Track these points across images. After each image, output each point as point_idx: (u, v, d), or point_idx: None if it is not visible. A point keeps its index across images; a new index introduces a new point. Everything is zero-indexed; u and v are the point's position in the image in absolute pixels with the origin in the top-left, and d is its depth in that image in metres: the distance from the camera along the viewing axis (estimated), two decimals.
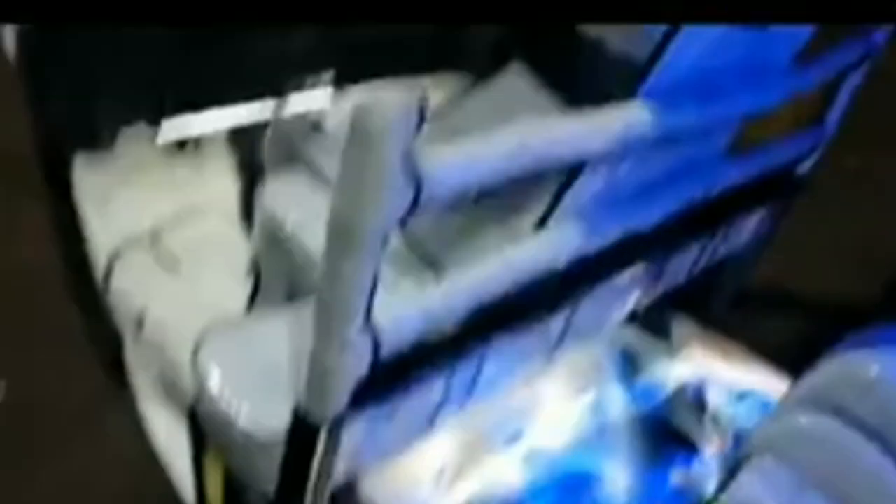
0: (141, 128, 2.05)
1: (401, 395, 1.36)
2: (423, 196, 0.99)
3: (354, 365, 1.14)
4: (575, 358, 2.32)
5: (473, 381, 1.55)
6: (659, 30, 1.23)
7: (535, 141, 1.16)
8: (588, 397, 2.29)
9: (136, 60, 1.88)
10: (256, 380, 1.36)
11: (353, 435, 1.34)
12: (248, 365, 1.37)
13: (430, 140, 0.98)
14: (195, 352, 1.42)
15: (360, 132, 0.91)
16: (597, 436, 2.16)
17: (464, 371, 1.49)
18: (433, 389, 1.43)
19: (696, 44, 1.28)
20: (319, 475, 1.28)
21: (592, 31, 1.57)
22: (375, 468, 1.86)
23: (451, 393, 1.48)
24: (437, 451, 1.99)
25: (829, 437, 1.64)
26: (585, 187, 1.43)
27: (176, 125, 2.09)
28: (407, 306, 1.22)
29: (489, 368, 1.55)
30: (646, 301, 1.96)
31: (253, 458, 1.35)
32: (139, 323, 1.95)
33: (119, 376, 2.16)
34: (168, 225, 2.22)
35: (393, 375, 1.27)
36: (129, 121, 2.02)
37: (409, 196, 0.97)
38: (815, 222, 2.50)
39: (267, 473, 1.37)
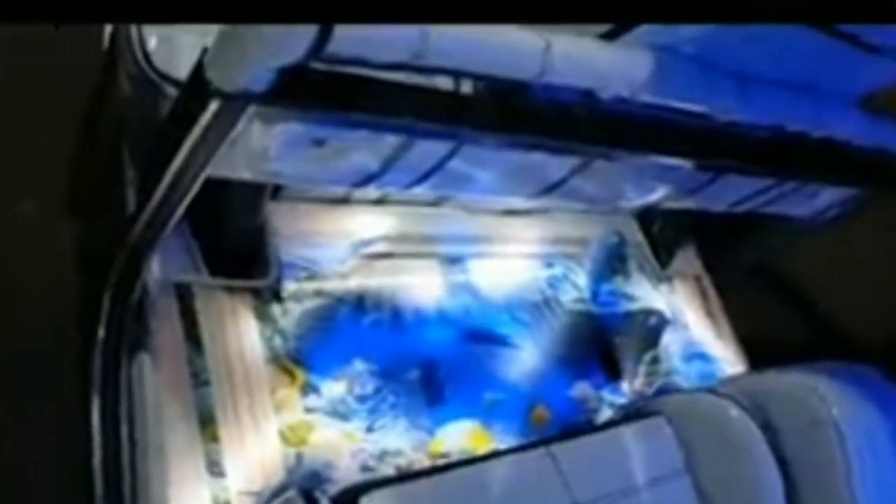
0: None
1: (332, 127, 1.08)
2: None
3: (284, 44, 0.84)
4: (564, 219, 2.06)
5: (437, 166, 1.27)
6: None
7: None
8: (552, 272, 2.04)
9: None
10: None
11: (263, 138, 1.09)
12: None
13: None
14: None
15: None
16: (532, 308, 1.93)
17: (426, 149, 1.21)
18: (378, 142, 1.16)
19: None
20: (200, 148, 1.03)
21: None
22: (292, 204, 1.65)
23: (404, 157, 1.20)
24: (369, 221, 1.76)
25: (741, 442, 1.44)
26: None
27: None
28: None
29: (461, 161, 1.28)
30: (670, 204, 1.66)
31: (146, 90, 1.09)
32: None
33: None
34: None
35: (332, 90, 0.98)
36: None
37: None
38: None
39: (147, 116, 1.12)
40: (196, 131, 0.99)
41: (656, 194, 1.59)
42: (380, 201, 1.77)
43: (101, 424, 1.29)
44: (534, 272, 1.99)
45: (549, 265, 2.02)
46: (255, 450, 1.41)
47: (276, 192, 1.59)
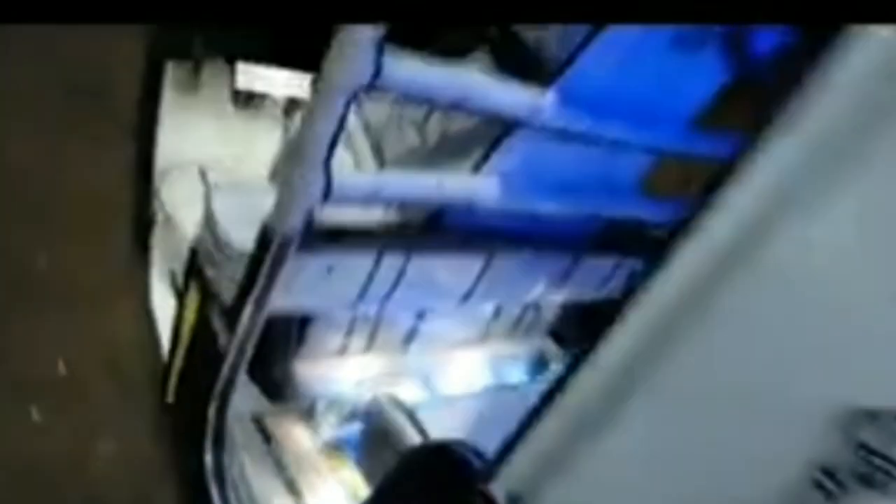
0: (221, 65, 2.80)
1: (337, 254, 1.90)
2: (380, 81, 1.57)
3: (309, 194, 1.69)
4: (499, 347, 2.83)
5: (395, 282, 2.08)
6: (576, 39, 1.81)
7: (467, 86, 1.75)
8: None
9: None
10: (246, 216, 1.93)
11: (298, 271, 1.88)
12: (244, 206, 1.93)
13: None
14: (208, 197, 2.00)
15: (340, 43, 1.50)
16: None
17: (389, 266, 2.02)
18: (362, 266, 1.97)
19: (603, 61, 1.84)
20: (267, 286, 1.81)
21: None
22: (312, 349, 2.39)
23: (375, 277, 2.01)
24: (362, 364, 2.49)
25: None
26: (510, 155, 2.01)
27: (247, 73, 2.80)
28: (359, 176, 1.79)
29: (408, 282, 2.08)
30: (554, 296, 2.48)
31: (227, 266, 1.90)
32: (167, 219, 2.58)
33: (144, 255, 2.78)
34: (213, 164, 2.89)
35: (334, 235, 1.82)
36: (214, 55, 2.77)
37: (369, 75, 1.55)
38: None
39: (231, 282, 1.91)
40: (264, 269, 1.79)
41: (541, 286, 2.42)
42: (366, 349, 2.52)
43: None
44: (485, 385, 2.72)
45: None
46: None
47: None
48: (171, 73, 2.85)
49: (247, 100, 2.98)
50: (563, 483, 1.08)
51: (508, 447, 1.14)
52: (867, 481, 0.75)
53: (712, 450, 0.92)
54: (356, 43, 1.49)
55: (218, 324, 1.99)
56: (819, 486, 0.78)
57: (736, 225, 0.91)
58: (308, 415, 2.24)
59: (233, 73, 2.91)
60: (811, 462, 0.79)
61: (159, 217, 2.82)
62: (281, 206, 1.72)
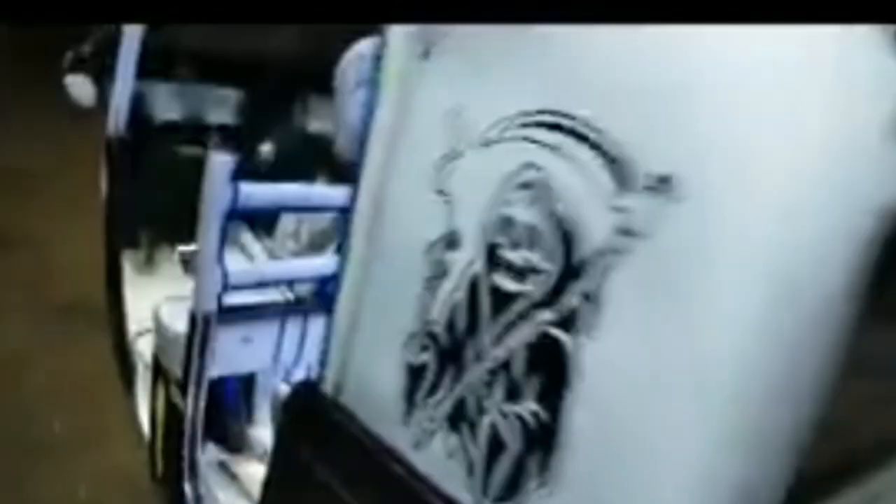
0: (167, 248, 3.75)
1: (250, 323, 2.74)
2: (239, 203, 2.49)
3: (213, 281, 2.55)
4: None
5: (301, 343, 2.89)
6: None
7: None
8: None
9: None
10: (184, 313, 2.77)
11: (222, 344, 2.69)
12: (183, 307, 2.77)
13: None
14: (157, 310, 2.87)
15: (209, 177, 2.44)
16: None
17: (292, 330, 2.84)
18: (271, 333, 2.79)
19: None
20: (200, 357, 2.63)
21: None
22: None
23: (284, 340, 2.83)
24: None
25: None
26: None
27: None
28: (249, 267, 2.68)
29: (312, 341, 2.90)
30: None
31: (174, 349, 2.72)
32: (146, 368, 3.44)
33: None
34: None
35: (241, 310, 2.67)
36: (161, 243, 3.74)
37: (229, 200, 2.47)
38: None
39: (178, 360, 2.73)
40: (195, 345, 2.61)
41: None
42: None
43: None
44: None
45: None
46: None
47: None
48: (128, 259, 3.79)
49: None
50: (357, 354, 1.79)
51: (325, 353, 1.90)
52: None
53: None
54: (216, 177, 2.43)
55: (177, 399, 2.79)
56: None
57: None
58: (264, 458, 2.97)
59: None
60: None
61: (140, 369, 3.65)
62: (197, 295, 2.58)
